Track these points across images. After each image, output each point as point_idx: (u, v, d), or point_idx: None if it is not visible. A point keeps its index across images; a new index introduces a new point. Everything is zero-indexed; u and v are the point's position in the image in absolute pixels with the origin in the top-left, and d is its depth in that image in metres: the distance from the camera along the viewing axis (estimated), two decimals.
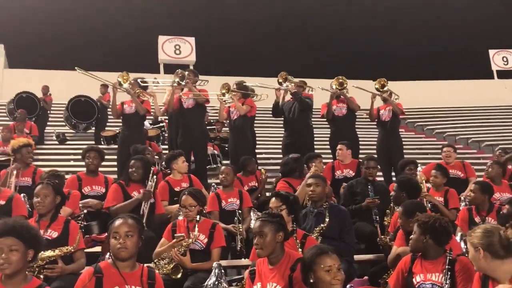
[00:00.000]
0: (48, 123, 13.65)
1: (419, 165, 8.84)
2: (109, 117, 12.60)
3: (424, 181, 6.69)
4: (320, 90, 9.62)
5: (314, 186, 5.53)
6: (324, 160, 7.93)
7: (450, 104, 20.17)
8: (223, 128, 12.16)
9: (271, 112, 10.00)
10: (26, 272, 3.44)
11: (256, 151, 9.72)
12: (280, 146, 9.43)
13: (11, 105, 13.05)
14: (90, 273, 3.54)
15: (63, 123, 13.89)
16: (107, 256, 4.10)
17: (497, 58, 22.82)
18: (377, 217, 6.01)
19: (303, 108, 8.95)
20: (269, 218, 3.91)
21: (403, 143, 9.64)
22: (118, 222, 3.64)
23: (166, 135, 12.11)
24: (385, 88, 9.16)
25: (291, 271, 3.73)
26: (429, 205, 6.27)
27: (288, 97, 9.27)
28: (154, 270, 3.78)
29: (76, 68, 8.76)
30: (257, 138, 10.06)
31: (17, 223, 3.41)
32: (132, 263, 3.62)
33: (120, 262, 3.56)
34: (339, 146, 8.04)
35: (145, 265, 3.81)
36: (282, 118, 9.54)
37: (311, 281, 3.41)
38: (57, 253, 4.39)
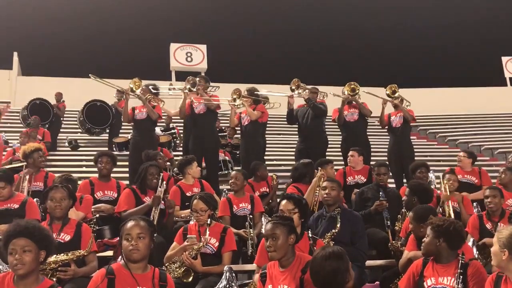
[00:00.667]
0: (61, 130, 13.74)
1: (431, 170, 8.86)
2: (123, 123, 12.68)
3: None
4: (332, 97, 9.62)
5: (329, 189, 5.57)
6: (335, 167, 7.93)
7: (462, 111, 20.05)
8: (235, 135, 12.19)
9: (284, 119, 10.03)
10: (39, 273, 3.47)
11: (267, 157, 9.74)
12: (292, 153, 9.44)
13: (25, 111, 13.14)
14: (102, 275, 3.57)
15: (76, 130, 14.00)
16: (119, 259, 4.13)
17: (510, 66, 22.62)
18: (389, 222, 6.00)
19: (317, 114, 8.98)
20: (281, 221, 3.92)
21: (415, 150, 9.60)
22: (130, 224, 3.67)
23: (178, 141, 12.18)
24: (396, 94, 9.14)
25: (302, 273, 3.73)
26: (440, 209, 6.24)
27: (296, 104, 9.32)
28: (166, 272, 3.80)
29: (90, 75, 8.84)
30: (269, 145, 10.07)
31: (30, 224, 3.45)
32: (144, 265, 3.64)
33: (132, 264, 3.58)
34: (350, 153, 8.03)
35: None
36: (296, 125, 9.56)
37: None
38: (70, 257, 4.43)
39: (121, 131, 13.08)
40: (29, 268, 3.30)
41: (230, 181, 6.82)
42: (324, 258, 3.37)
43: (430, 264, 4.07)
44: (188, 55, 20.55)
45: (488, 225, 5.84)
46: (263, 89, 10.22)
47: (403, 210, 6.05)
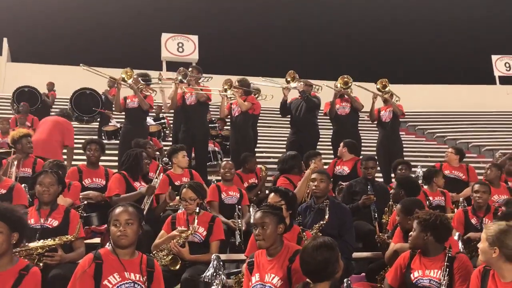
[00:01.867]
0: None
1: (419, 167, 8.93)
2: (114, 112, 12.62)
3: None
4: (325, 92, 9.62)
5: (318, 182, 5.61)
6: (324, 160, 7.97)
7: (451, 108, 20.19)
8: (225, 126, 12.19)
9: (275, 112, 10.06)
10: (13, 255, 3.48)
11: (257, 149, 9.75)
12: (282, 146, 9.45)
13: (12, 99, 13.09)
14: (90, 259, 3.57)
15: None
16: (107, 245, 4.13)
17: (500, 64, 22.83)
18: (376, 215, 6.04)
19: (310, 107, 8.99)
20: (271, 210, 3.94)
21: (404, 146, 9.66)
22: (118, 210, 3.67)
23: (167, 131, 12.16)
24: (387, 89, 9.19)
25: (289, 262, 3.76)
26: (427, 203, 6.31)
27: (291, 95, 9.32)
28: (153, 259, 3.81)
29: (80, 64, 8.79)
30: (259, 137, 10.05)
31: (2, 206, 3.46)
32: (131, 251, 3.65)
33: (119, 250, 3.59)
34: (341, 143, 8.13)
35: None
36: (287, 118, 9.57)
37: None
38: (57, 242, 4.42)
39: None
40: (1, 250, 3.30)
41: (223, 171, 6.90)
42: (315, 248, 3.37)
43: (417, 257, 4.12)
44: (180, 46, 20.49)
45: (473, 220, 5.90)
46: (258, 81, 10.20)
47: (390, 203, 6.10)
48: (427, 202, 6.59)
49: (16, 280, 3.32)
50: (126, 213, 3.62)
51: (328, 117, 9.43)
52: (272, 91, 9.94)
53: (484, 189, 6.00)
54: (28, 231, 3.72)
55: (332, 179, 7.38)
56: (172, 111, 10.05)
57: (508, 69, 22.76)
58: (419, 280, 4.00)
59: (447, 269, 3.86)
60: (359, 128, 9.57)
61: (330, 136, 9.51)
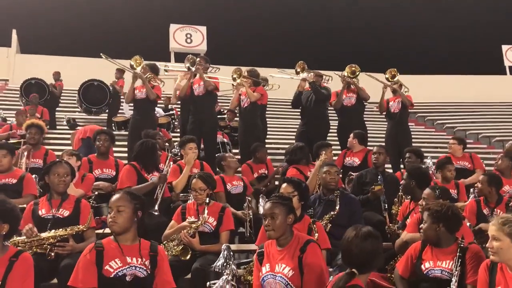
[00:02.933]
0: (60, 109, 13.71)
1: (428, 157, 8.89)
2: (122, 102, 12.66)
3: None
4: (335, 84, 9.55)
5: (334, 174, 5.68)
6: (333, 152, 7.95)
7: (461, 99, 20.08)
8: (234, 118, 12.19)
9: (284, 103, 10.01)
10: (3, 244, 3.51)
11: (266, 141, 9.72)
12: (291, 137, 9.41)
13: (20, 91, 13.15)
14: (91, 247, 3.62)
15: (74, 109, 13.99)
16: None
17: (510, 54, 22.62)
18: (386, 205, 6.02)
19: (319, 99, 8.94)
20: (280, 201, 3.94)
21: (412, 137, 9.61)
22: (114, 197, 3.73)
23: (176, 123, 12.16)
24: (395, 79, 9.14)
25: (300, 252, 3.74)
26: None
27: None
28: (157, 244, 3.79)
29: (101, 54, 8.82)
30: (268, 128, 10.02)
31: None
32: (131, 237, 3.65)
33: (120, 236, 3.62)
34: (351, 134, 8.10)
35: None
36: (298, 109, 9.53)
37: None
38: (68, 232, 4.45)
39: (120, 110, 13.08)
40: None
41: (230, 160, 6.97)
42: (363, 238, 3.30)
43: (429, 248, 4.10)
44: (188, 37, 20.47)
45: (485, 211, 5.87)
46: (274, 72, 10.15)
47: (399, 193, 6.08)
48: None
49: (7, 267, 3.36)
50: (118, 200, 3.65)
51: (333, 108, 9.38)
52: (279, 81, 9.89)
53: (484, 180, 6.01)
54: (19, 222, 3.71)
55: (342, 170, 7.40)
56: (179, 102, 10.01)
57: None
58: (430, 271, 3.99)
59: (459, 260, 3.84)
60: (367, 119, 9.52)
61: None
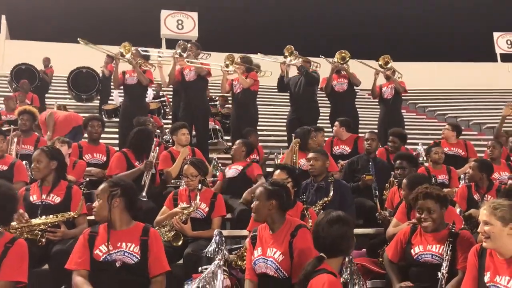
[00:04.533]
0: (50, 95, 13.62)
1: (419, 143, 8.93)
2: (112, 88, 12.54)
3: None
4: (324, 69, 9.53)
5: (313, 161, 5.65)
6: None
7: (452, 86, 20.13)
8: (226, 105, 12.17)
9: (275, 88, 9.94)
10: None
11: (257, 127, 9.70)
12: (281, 124, 9.40)
13: (10, 77, 13.05)
14: (87, 231, 3.70)
15: (66, 96, 13.92)
16: None
17: (501, 41, 22.63)
18: (377, 191, 6.04)
19: (309, 82, 8.87)
20: (267, 185, 3.98)
21: (405, 124, 9.63)
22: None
23: (167, 109, 12.12)
24: (389, 65, 9.16)
25: (291, 237, 3.76)
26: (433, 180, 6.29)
27: (291, 73, 9.25)
28: (151, 227, 3.78)
29: (78, 39, 8.71)
30: (259, 115, 9.98)
31: None
32: (123, 222, 3.64)
33: (113, 222, 3.63)
34: (335, 123, 8.05)
35: None
36: (287, 96, 9.49)
37: None
38: (60, 218, 4.44)
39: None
40: None
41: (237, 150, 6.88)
42: (331, 222, 3.32)
43: (418, 232, 4.12)
44: (179, 23, 20.30)
45: (476, 196, 5.91)
46: (257, 56, 10.11)
47: (390, 179, 6.11)
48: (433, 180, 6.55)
49: (2, 253, 3.34)
50: (98, 189, 3.71)
51: (324, 93, 9.35)
52: (271, 68, 9.85)
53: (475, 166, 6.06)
54: (5, 211, 3.61)
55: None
56: (171, 88, 9.96)
57: (510, 46, 22.53)
58: (420, 256, 4.01)
59: (450, 245, 3.85)
60: (358, 105, 9.53)
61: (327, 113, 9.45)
